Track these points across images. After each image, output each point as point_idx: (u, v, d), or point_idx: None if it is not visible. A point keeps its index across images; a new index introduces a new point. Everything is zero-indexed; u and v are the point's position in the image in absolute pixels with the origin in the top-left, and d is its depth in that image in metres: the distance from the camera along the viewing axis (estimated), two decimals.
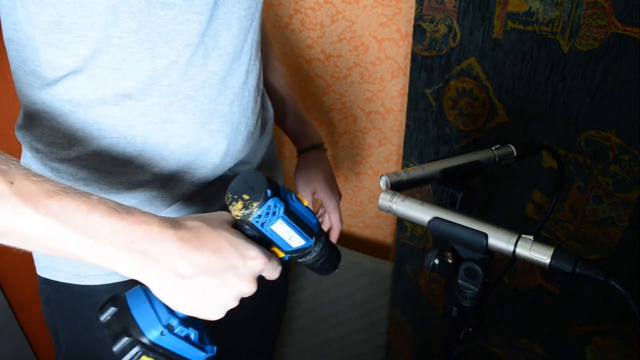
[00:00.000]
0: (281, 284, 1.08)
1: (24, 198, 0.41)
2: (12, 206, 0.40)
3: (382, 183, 0.58)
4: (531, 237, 0.49)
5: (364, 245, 1.49)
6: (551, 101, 0.85)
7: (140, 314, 0.47)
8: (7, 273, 1.25)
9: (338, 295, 1.44)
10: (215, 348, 0.52)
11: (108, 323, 0.48)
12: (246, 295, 0.51)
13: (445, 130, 1.02)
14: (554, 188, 0.90)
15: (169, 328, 0.47)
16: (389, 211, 0.55)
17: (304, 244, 0.53)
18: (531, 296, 1.03)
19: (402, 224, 1.21)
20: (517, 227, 0.50)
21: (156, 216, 0.47)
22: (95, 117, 0.62)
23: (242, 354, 1.10)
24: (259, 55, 0.74)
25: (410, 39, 1.07)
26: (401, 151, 1.12)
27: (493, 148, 0.64)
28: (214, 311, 0.49)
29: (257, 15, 0.69)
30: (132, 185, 0.66)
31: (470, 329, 0.59)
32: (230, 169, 0.74)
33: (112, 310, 0.48)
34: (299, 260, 0.56)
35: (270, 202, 0.48)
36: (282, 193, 0.50)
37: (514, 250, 0.49)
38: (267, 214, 0.49)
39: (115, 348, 0.46)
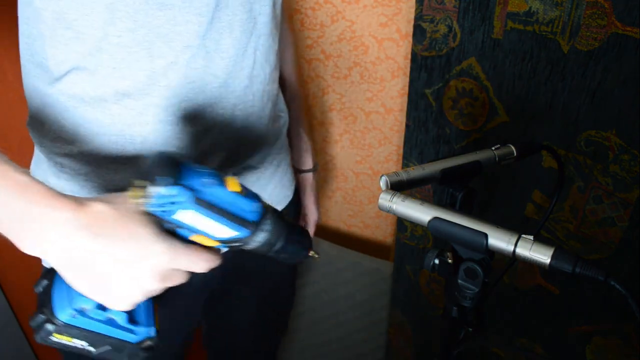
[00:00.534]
0: (284, 282, 1.07)
1: None
2: None
3: (382, 183, 0.58)
4: (531, 237, 0.49)
5: (364, 245, 1.49)
6: (551, 101, 0.85)
7: (58, 293, 0.46)
8: (7, 273, 1.25)
9: (338, 295, 1.44)
10: (153, 330, 0.50)
11: (38, 295, 0.47)
12: (154, 294, 0.48)
13: (445, 130, 1.02)
14: (554, 188, 0.90)
15: (82, 310, 0.45)
16: (389, 211, 0.55)
17: (238, 235, 0.48)
18: (531, 296, 1.03)
19: (402, 224, 1.21)
20: (517, 227, 0.50)
21: (62, 196, 0.44)
22: (96, 114, 0.63)
23: (237, 353, 1.10)
24: (270, 59, 0.72)
25: (410, 39, 1.07)
26: (401, 151, 1.12)
27: (493, 148, 0.64)
28: (117, 302, 0.46)
29: (262, 18, 0.68)
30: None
31: (470, 329, 0.59)
32: (234, 173, 0.74)
33: (44, 283, 0.48)
34: (246, 249, 0.51)
35: (166, 190, 0.43)
36: (193, 180, 0.45)
37: (514, 250, 0.49)
38: (165, 203, 0.44)
39: (31, 323, 0.45)
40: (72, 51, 0.59)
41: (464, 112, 0.97)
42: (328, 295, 1.46)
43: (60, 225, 0.42)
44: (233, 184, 0.48)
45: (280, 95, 0.86)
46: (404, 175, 0.58)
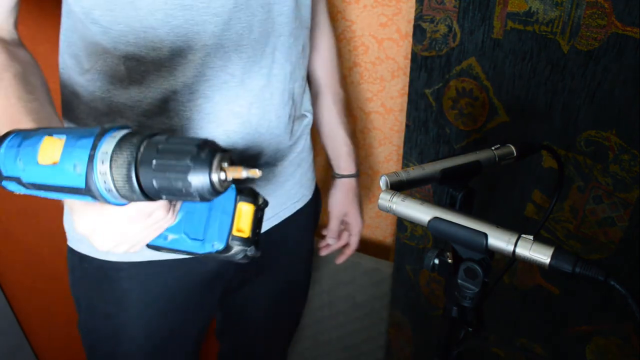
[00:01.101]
0: (300, 274, 1.07)
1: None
2: None
3: (382, 183, 0.58)
4: (531, 237, 0.49)
5: (364, 245, 1.49)
6: (551, 101, 0.85)
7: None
8: (7, 273, 1.25)
9: (338, 295, 1.44)
10: (219, 244, 0.52)
11: None
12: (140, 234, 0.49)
13: (445, 130, 1.02)
14: (554, 188, 0.90)
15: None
16: (389, 211, 0.55)
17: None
18: (531, 296, 1.03)
19: (402, 224, 1.21)
20: (517, 227, 0.50)
21: None
22: (118, 105, 0.67)
23: (250, 345, 1.11)
24: (292, 58, 0.73)
25: (410, 39, 1.07)
26: (401, 151, 1.12)
27: (493, 148, 0.64)
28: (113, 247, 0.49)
29: (282, 19, 0.69)
30: None
31: (470, 329, 0.59)
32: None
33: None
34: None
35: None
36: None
37: (514, 250, 0.49)
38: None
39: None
40: (97, 44, 0.64)
41: (464, 112, 0.97)
42: (328, 295, 1.46)
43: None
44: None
45: (307, 94, 0.86)
46: (404, 175, 0.58)
